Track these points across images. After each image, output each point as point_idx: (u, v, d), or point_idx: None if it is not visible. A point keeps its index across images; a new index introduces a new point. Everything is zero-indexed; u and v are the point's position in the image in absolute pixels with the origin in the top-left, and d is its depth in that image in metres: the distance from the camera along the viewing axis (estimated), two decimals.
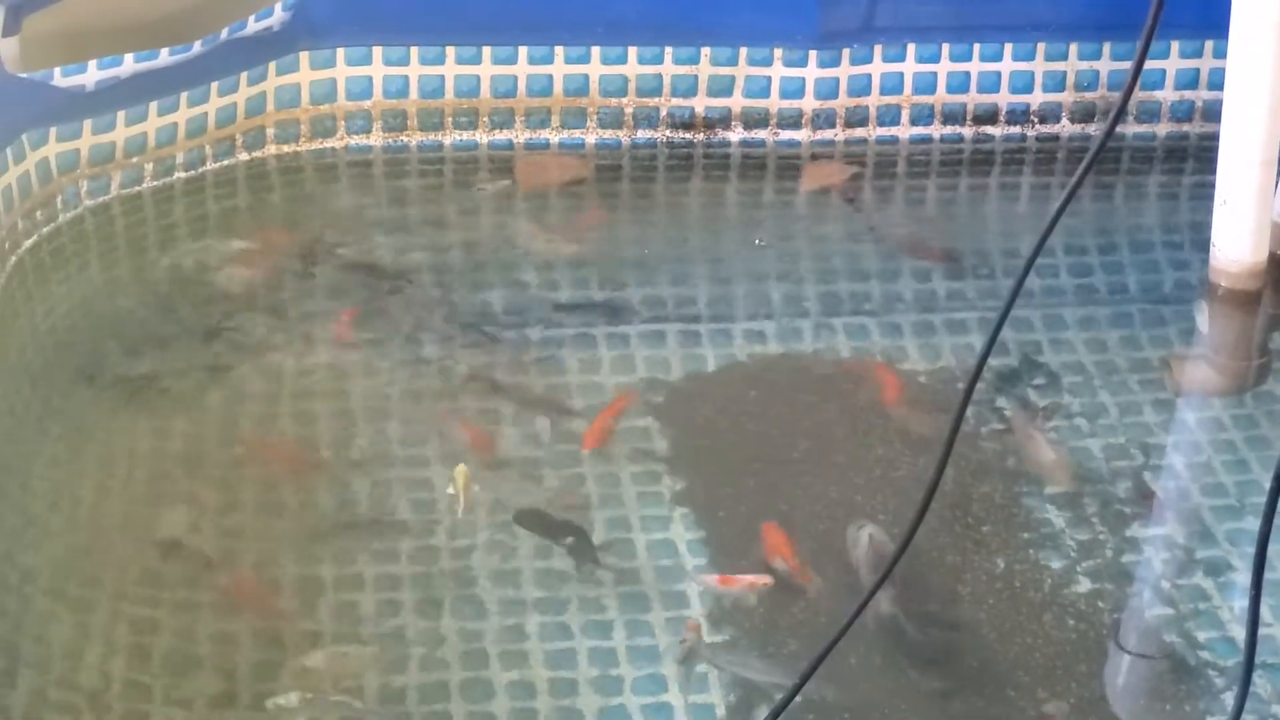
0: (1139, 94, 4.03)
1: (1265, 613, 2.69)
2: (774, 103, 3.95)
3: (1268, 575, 2.70)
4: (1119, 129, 4.04)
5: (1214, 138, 3.44)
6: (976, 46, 3.97)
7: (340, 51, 3.83)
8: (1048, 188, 3.92)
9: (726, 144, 3.96)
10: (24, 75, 3.50)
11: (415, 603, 2.67)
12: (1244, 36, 3.29)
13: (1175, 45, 3.98)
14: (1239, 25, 3.29)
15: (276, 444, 3.02)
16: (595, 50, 3.90)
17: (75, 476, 2.93)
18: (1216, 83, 3.46)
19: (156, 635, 2.60)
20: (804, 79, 3.94)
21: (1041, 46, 3.97)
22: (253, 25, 3.72)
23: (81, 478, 2.93)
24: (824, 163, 3.89)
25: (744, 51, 3.92)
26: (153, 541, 2.77)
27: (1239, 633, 2.63)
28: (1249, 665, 2.01)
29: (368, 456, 2.98)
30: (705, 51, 3.92)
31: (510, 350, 3.26)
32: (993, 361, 3.24)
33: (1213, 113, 3.43)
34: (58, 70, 3.50)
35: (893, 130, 4.00)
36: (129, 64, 3.57)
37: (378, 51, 3.85)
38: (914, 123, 4.01)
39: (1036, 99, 4.01)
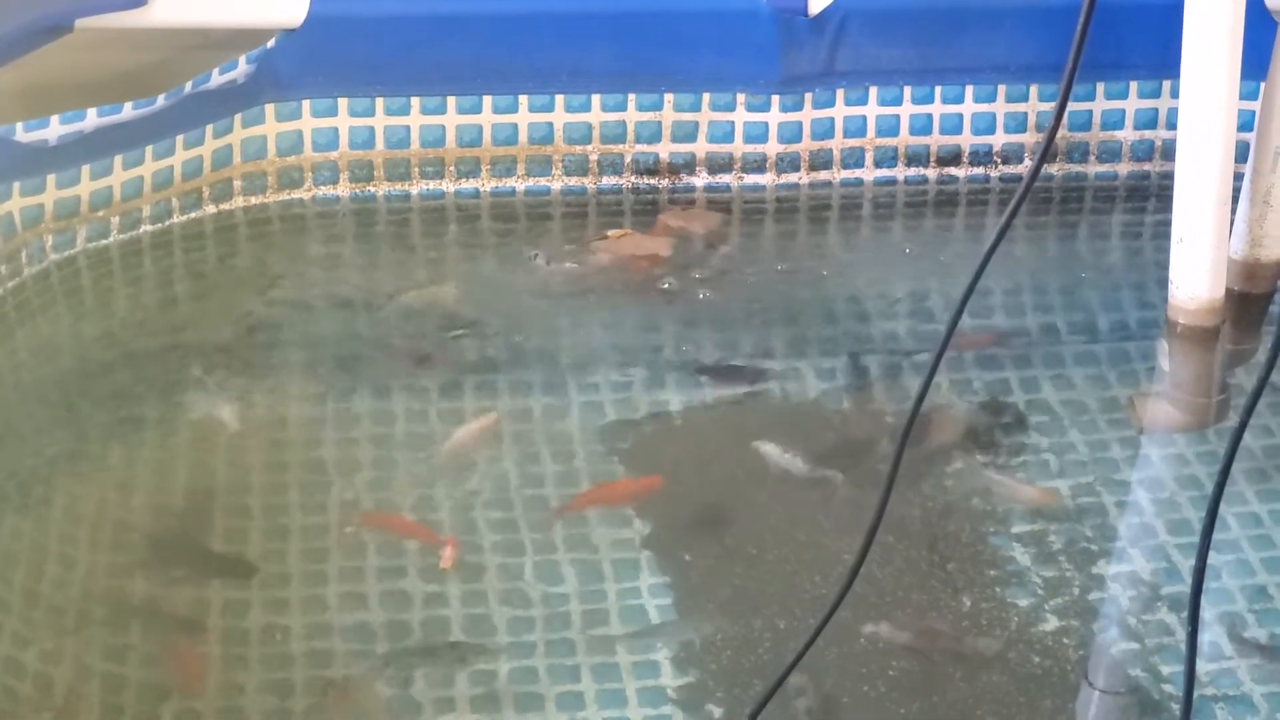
0: (1099, 134, 4.06)
1: (1225, 646, 2.70)
2: (738, 147, 3.98)
3: (1225, 608, 2.77)
4: (1081, 169, 4.09)
5: (1173, 176, 3.46)
6: (938, 89, 3.99)
7: (306, 103, 3.85)
8: (1012, 228, 3.92)
9: (691, 189, 3.98)
10: None
11: None
12: (1196, 75, 3.32)
13: (1134, 86, 4.02)
14: (1190, 64, 3.31)
15: None
16: (560, 98, 3.92)
17: (41, 533, 2.93)
18: (1175, 122, 3.48)
19: None
20: (767, 124, 3.96)
21: (1002, 88, 4.00)
22: (217, 78, 3.74)
23: (47, 534, 2.93)
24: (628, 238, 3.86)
25: (707, 97, 3.95)
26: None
27: (1203, 666, 2.65)
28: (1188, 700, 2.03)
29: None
30: (669, 98, 3.95)
31: None
32: (961, 400, 3.26)
33: (1172, 152, 3.45)
34: (20, 125, 3.51)
35: (857, 173, 4.02)
36: (92, 118, 3.58)
37: (343, 103, 3.87)
38: (878, 165, 4.03)
39: (999, 140, 4.04)
